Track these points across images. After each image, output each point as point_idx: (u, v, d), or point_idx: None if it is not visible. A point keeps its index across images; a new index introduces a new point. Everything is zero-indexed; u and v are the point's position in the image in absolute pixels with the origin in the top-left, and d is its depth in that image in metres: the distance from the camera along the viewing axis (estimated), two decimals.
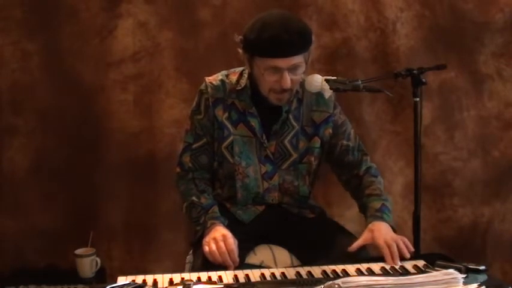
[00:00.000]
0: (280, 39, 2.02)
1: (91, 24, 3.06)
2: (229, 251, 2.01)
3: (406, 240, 2.06)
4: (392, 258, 1.99)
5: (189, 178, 2.26)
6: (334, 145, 2.28)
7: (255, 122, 2.21)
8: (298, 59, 2.07)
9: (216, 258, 2.00)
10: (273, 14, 2.10)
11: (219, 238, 2.03)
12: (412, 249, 2.05)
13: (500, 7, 3.14)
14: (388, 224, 2.14)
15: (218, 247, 2.01)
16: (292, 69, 2.07)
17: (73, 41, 3.06)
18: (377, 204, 2.19)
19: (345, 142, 2.28)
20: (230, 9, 3.08)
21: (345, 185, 2.37)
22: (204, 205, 2.18)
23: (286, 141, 2.23)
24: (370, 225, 2.12)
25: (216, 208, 2.19)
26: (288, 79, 2.07)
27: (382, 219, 2.14)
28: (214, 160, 2.26)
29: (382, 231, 2.08)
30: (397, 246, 2.01)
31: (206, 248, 2.03)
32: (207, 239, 2.06)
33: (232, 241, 2.04)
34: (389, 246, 2.01)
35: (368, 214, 2.18)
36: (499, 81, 3.19)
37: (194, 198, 2.20)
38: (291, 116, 2.22)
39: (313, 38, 2.12)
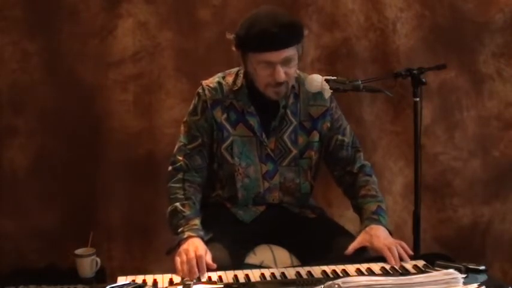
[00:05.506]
0: (269, 32, 2.02)
1: (91, 24, 3.05)
2: (197, 257, 1.91)
3: (404, 244, 2.06)
4: (394, 260, 1.99)
5: (179, 178, 2.20)
6: (329, 139, 2.28)
7: (254, 121, 2.20)
8: (289, 52, 2.06)
9: (184, 269, 1.90)
10: (262, 10, 2.12)
11: (191, 249, 1.94)
12: (410, 253, 2.05)
13: (500, 7, 3.13)
14: (385, 227, 2.14)
15: (188, 259, 1.91)
16: (285, 62, 2.07)
17: (73, 41, 3.06)
18: (373, 206, 2.18)
19: (340, 137, 2.28)
20: (230, 9, 3.08)
21: (337, 181, 2.36)
22: (186, 214, 2.10)
23: (285, 137, 2.23)
24: (367, 228, 2.12)
25: (197, 221, 2.09)
26: (281, 72, 2.06)
27: (378, 222, 2.13)
28: (207, 163, 2.24)
29: (380, 236, 2.08)
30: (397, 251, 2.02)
31: (177, 259, 1.94)
32: (180, 250, 1.98)
33: (202, 250, 1.95)
34: (390, 250, 2.01)
35: (364, 216, 2.17)
36: (499, 81, 3.19)
37: (178, 204, 2.13)
38: (288, 111, 2.22)
39: (305, 31, 2.12)
